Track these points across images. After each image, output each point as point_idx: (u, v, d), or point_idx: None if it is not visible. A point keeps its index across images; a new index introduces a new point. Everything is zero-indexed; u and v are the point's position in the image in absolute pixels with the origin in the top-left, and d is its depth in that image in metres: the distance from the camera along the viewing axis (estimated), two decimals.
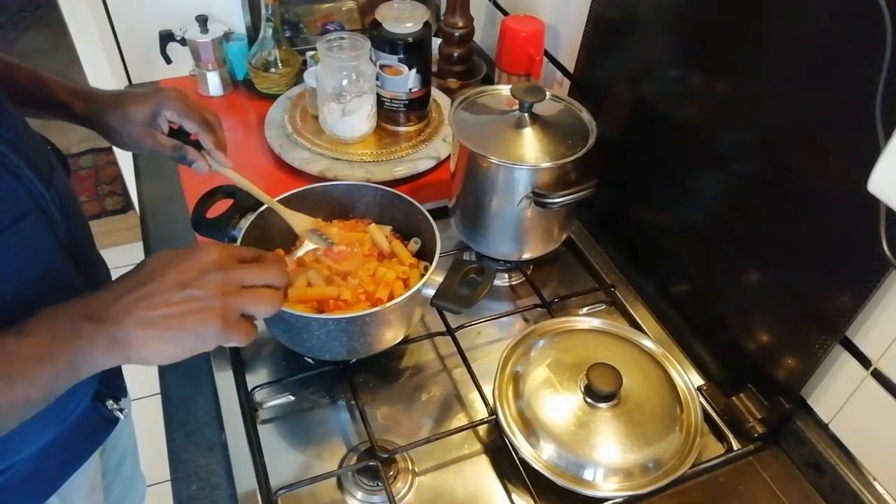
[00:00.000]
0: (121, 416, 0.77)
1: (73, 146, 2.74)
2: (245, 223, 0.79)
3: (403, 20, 1.03)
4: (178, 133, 0.79)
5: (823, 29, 0.63)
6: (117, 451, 0.96)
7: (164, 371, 0.80)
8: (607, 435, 0.71)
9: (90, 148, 2.73)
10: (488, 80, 1.27)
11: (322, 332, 0.73)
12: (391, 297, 0.76)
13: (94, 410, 0.73)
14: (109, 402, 0.75)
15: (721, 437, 0.78)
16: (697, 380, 0.84)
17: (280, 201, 0.81)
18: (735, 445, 0.76)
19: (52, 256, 0.62)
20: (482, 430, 0.78)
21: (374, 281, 0.79)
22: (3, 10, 3.39)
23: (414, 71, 1.07)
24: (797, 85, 0.66)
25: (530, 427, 0.73)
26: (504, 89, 0.93)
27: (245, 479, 0.70)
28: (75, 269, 0.65)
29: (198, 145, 0.79)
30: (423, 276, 0.76)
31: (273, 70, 1.23)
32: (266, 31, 1.21)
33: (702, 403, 0.78)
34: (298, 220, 0.82)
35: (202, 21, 1.22)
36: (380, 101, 1.12)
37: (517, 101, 0.85)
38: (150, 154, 0.78)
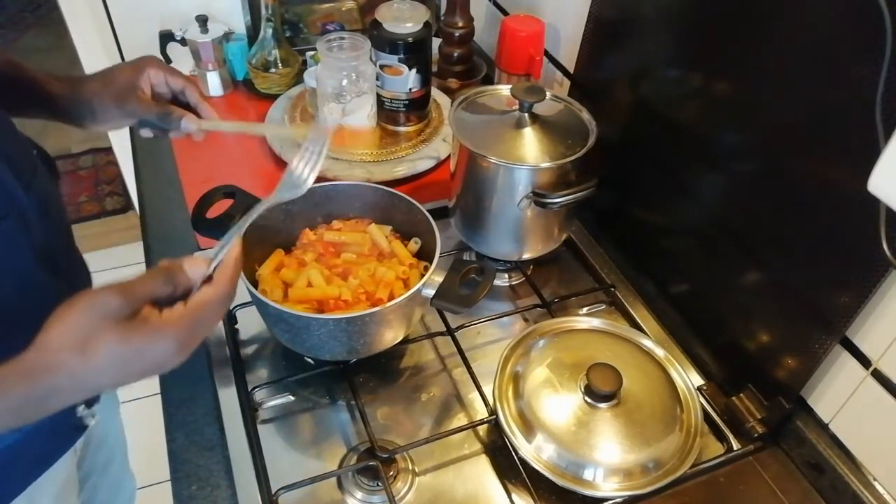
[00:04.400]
0: (91, 423, 0.76)
1: (73, 146, 2.74)
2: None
3: (403, 20, 1.03)
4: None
5: (823, 29, 0.63)
6: (104, 451, 0.94)
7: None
8: (607, 435, 0.71)
9: (90, 148, 2.73)
10: (488, 80, 1.27)
11: (322, 332, 0.73)
12: (391, 297, 0.76)
13: (62, 416, 0.71)
14: (81, 408, 0.74)
15: (721, 437, 0.78)
16: (697, 380, 0.84)
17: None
18: (735, 445, 0.76)
19: (25, 260, 0.62)
20: (482, 430, 0.78)
21: (374, 281, 0.79)
22: (3, 10, 3.39)
23: (414, 71, 1.07)
24: (797, 85, 0.66)
25: (530, 427, 0.73)
26: (504, 89, 0.93)
27: (245, 479, 0.70)
28: (50, 273, 0.65)
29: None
30: (423, 276, 0.76)
31: (273, 70, 1.23)
32: (266, 31, 1.21)
33: (702, 403, 0.78)
34: (299, 130, 0.77)
35: (202, 21, 1.22)
36: (380, 101, 1.12)
37: (517, 101, 0.85)
38: (134, 118, 0.75)
